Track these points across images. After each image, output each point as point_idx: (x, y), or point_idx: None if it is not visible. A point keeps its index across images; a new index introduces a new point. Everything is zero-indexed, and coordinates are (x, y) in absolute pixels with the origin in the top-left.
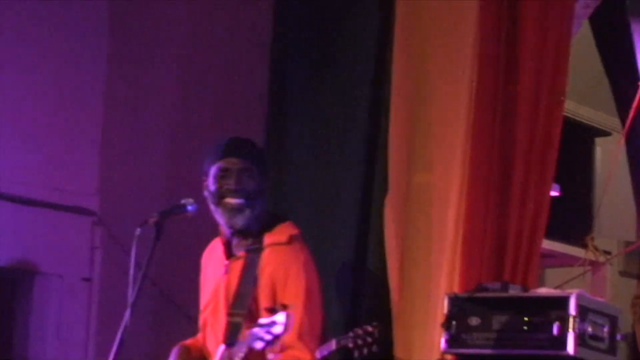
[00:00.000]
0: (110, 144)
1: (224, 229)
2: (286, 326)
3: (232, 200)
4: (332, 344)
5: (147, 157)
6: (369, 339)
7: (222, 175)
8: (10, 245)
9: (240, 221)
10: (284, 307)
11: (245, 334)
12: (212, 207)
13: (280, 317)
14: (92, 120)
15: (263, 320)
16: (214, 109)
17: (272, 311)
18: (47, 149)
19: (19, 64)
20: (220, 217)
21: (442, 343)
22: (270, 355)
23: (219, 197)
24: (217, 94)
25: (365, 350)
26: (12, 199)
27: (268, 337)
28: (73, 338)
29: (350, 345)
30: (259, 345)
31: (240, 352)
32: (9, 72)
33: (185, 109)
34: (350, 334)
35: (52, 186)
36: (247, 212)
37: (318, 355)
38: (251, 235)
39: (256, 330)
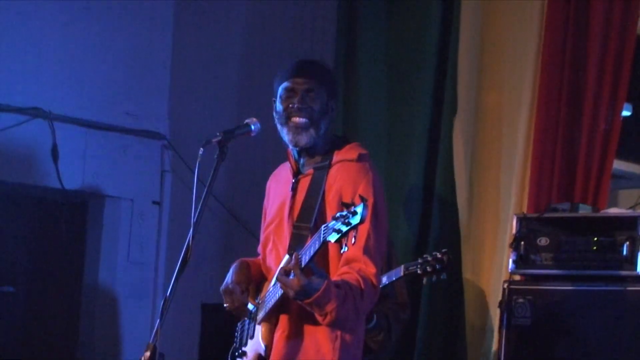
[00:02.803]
0: (180, 68)
1: (291, 148)
2: (363, 218)
3: (296, 119)
4: (401, 270)
5: (217, 80)
6: (438, 267)
7: (288, 95)
8: (81, 169)
9: (304, 139)
10: (362, 199)
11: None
12: (279, 127)
13: (359, 207)
14: (162, 45)
15: (340, 213)
16: (285, 32)
17: (348, 206)
18: (117, 73)
19: None
20: (285, 135)
21: (510, 263)
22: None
23: (286, 116)
24: (287, 16)
25: (434, 278)
26: (83, 124)
27: (345, 228)
28: (143, 261)
29: (419, 272)
30: (334, 237)
31: (311, 249)
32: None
33: (255, 32)
34: (419, 261)
35: (122, 110)
36: (312, 131)
37: (386, 280)
38: (319, 153)
39: (331, 222)
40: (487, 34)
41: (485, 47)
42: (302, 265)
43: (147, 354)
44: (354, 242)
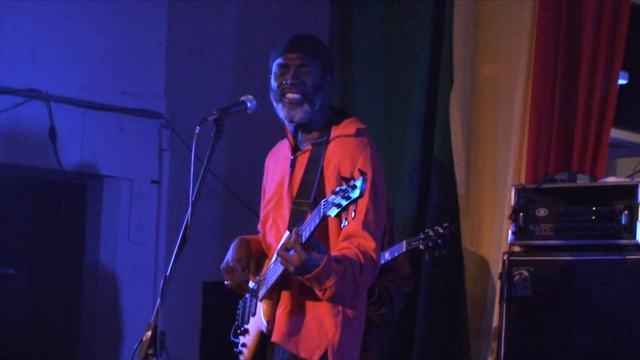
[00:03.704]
0: (176, 46)
1: (287, 124)
2: (362, 191)
3: (290, 95)
4: (403, 245)
5: (213, 58)
6: (440, 241)
7: (282, 71)
8: (80, 150)
9: (298, 115)
10: (362, 173)
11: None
12: (274, 104)
13: (358, 181)
14: (157, 24)
15: (339, 187)
16: (280, 9)
17: (347, 181)
18: (113, 53)
19: None
20: (280, 112)
21: (509, 235)
22: (343, 223)
23: (280, 93)
24: None
25: (436, 253)
26: (80, 104)
27: (344, 202)
28: (143, 240)
29: (421, 247)
30: (333, 212)
31: (311, 225)
32: None
33: (251, 9)
34: (421, 236)
35: (119, 90)
36: (306, 107)
37: (388, 255)
38: (316, 129)
39: (331, 197)
40: (482, 5)
41: (480, 19)
42: (303, 241)
43: (149, 333)
44: (354, 216)
